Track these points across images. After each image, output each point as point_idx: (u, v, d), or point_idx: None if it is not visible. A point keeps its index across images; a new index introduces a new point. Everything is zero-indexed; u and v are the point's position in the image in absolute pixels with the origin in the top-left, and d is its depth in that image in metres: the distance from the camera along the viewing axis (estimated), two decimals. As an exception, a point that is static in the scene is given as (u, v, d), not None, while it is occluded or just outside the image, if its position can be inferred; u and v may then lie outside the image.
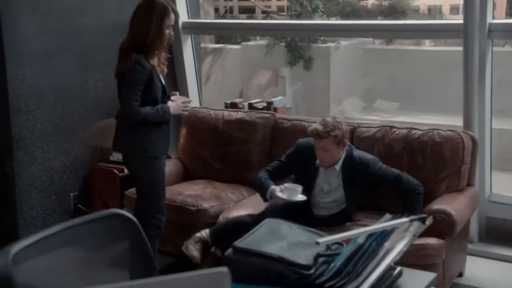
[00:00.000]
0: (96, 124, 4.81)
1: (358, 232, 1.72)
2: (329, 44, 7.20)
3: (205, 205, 4.10)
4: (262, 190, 3.68)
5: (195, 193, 4.27)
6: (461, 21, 4.02)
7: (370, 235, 1.89)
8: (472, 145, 3.85)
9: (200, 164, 4.69)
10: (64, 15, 4.50)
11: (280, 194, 3.55)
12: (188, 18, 5.34)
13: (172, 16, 3.53)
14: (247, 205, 4.04)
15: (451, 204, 3.56)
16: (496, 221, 4.36)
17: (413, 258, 2.68)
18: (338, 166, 3.67)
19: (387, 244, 1.85)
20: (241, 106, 5.04)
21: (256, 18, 8.87)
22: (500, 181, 4.76)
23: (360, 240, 1.92)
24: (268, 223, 2.29)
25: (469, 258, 4.03)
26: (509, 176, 5.49)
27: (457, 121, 4.37)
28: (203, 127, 4.71)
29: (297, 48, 7.20)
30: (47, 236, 1.71)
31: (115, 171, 4.61)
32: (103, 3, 4.79)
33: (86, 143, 4.75)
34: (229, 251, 2.12)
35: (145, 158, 3.61)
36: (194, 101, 5.36)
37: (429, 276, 2.07)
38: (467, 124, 4.13)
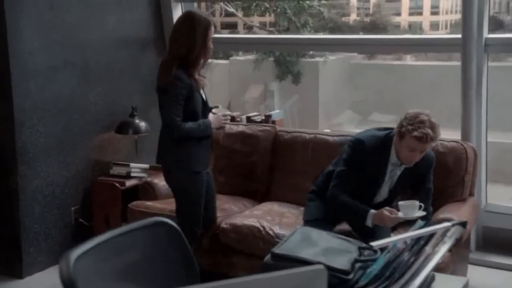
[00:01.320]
0: (97, 138, 4.82)
1: (407, 236, 1.78)
2: (317, 59, 7.31)
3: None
4: (358, 215, 3.40)
5: (200, 205, 4.30)
6: (459, 36, 4.14)
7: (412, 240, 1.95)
8: (474, 156, 3.95)
9: (202, 177, 4.72)
10: (67, 30, 4.52)
11: (399, 214, 3.27)
12: (185, 33, 5.37)
13: (213, 28, 3.58)
14: (251, 215, 4.08)
15: (457, 213, 3.64)
16: (492, 230, 4.47)
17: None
18: None
19: (427, 249, 1.91)
20: (238, 119, 5.09)
21: (239, 33, 8.92)
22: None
23: (400, 245, 1.97)
24: (300, 231, 2.34)
25: (469, 267, 4.12)
26: (496, 187, 5.59)
27: (449, 134, 4.40)
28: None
29: (286, 62, 7.30)
30: (100, 242, 1.75)
31: (117, 184, 4.62)
32: (105, 18, 4.82)
33: (87, 157, 4.75)
34: (267, 257, 2.16)
35: (187, 172, 3.67)
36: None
37: (461, 280, 2.13)
38: (465, 136, 4.24)
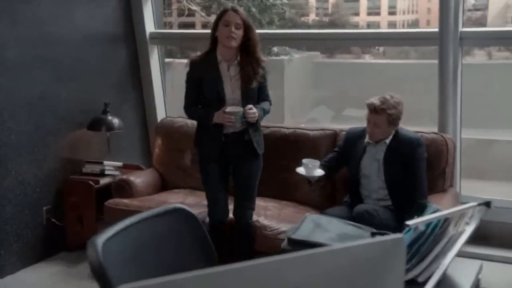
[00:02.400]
0: (69, 135, 4.69)
1: (434, 216, 1.77)
2: (282, 57, 7.31)
3: (193, 211, 4.05)
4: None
5: (179, 201, 4.23)
6: (436, 30, 4.19)
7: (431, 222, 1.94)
8: (453, 148, 4.01)
9: (180, 174, 4.65)
10: (37, 24, 4.38)
11: (298, 170, 3.52)
12: (155, 29, 5.30)
13: (228, 12, 3.54)
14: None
15: (440, 203, 3.68)
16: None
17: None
18: (388, 140, 3.66)
19: (451, 230, 1.91)
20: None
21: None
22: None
23: (421, 227, 1.97)
24: (310, 218, 2.32)
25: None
26: (467, 183, 5.65)
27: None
28: (180, 136, 4.68)
29: (251, 61, 7.24)
30: (123, 228, 1.70)
31: (91, 182, 4.49)
32: (76, 14, 4.70)
33: (59, 155, 4.61)
34: (284, 243, 2.13)
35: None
36: (161, 114, 5.36)
37: (476, 263, 2.14)
38: (442, 129, 4.30)
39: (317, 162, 3.57)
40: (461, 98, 4.42)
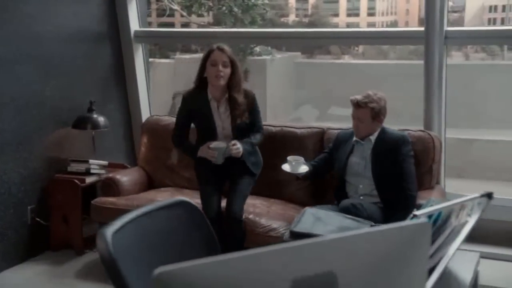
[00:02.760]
0: (54, 133, 4.64)
1: (442, 206, 1.79)
2: (265, 57, 7.32)
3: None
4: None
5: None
6: (422, 29, 4.24)
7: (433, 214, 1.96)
8: (439, 145, 4.05)
9: (167, 172, 4.63)
10: (22, 21, 4.33)
11: (284, 167, 3.64)
12: (140, 27, 5.28)
13: (214, 52, 3.71)
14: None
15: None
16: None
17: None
18: (373, 138, 3.75)
19: (453, 221, 1.93)
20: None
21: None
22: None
23: (424, 218, 1.99)
24: (310, 212, 2.33)
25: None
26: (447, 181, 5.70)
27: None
28: (167, 135, 4.64)
29: (233, 61, 7.25)
30: (129, 220, 1.69)
31: (77, 181, 4.45)
32: (61, 11, 4.66)
33: (44, 154, 4.56)
34: (286, 235, 2.14)
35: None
36: (145, 112, 5.34)
37: (475, 255, 2.17)
38: (428, 127, 4.33)
39: (301, 159, 3.69)
40: (445, 96, 4.47)
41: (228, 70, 3.69)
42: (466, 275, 2.03)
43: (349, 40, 5.27)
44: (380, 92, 3.79)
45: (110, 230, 1.61)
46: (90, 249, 4.58)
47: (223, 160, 3.68)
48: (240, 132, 3.79)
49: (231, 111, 3.75)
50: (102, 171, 4.67)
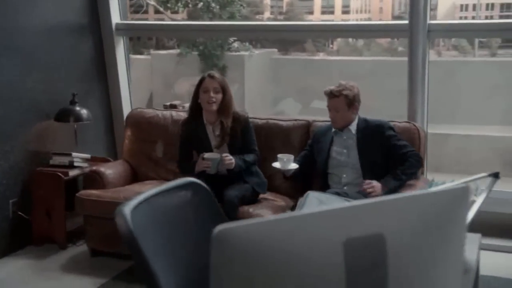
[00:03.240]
0: (35, 126, 4.57)
1: (453, 185, 1.82)
2: (243, 53, 7.32)
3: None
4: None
5: (153, 193, 4.18)
6: (406, 22, 4.30)
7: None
8: (424, 136, 4.11)
9: (151, 165, 4.60)
10: (2, 13, 4.26)
11: (274, 165, 3.70)
12: (121, 20, 5.23)
13: (205, 79, 3.91)
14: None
15: (415, 190, 3.77)
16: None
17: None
18: (353, 128, 3.82)
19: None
20: (181, 108, 5.01)
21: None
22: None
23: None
24: (313, 195, 2.34)
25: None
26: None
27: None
28: (152, 128, 4.63)
29: (211, 56, 7.26)
30: (142, 201, 1.68)
31: (60, 174, 4.38)
32: (41, 2, 4.59)
33: (26, 146, 4.49)
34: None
35: None
36: (126, 106, 5.31)
37: (476, 236, 2.20)
38: (411, 119, 4.39)
39: (292, 156, 3.75)
40: (428, 89, 4.53)
41: (219, 96, 3.90)
42: (471, 255, 2.06)
43: (333, 33, 5.30)
44: (351, 81, 3.88)
45: (127, 208, 1.60)
46: (73, 243, 4.53)
47: (215, 170, 3.80)
48: (236, 152, 3.92)
49: (224, 134, 3.93)
50: (85, 165, 4.61)
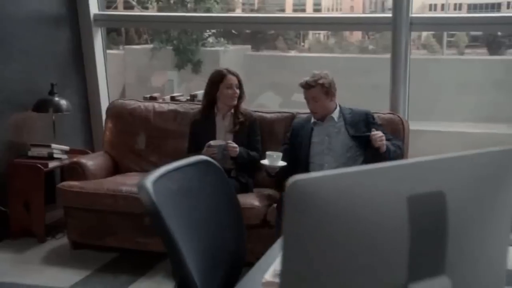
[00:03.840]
0: (12, 117, 4.47)
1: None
2: (218, 48, 7.29)
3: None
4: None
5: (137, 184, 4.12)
6: (390, 15, 4.33)
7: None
8: (408, 127, 4.14)
9: (133, 157, 4.54)
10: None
11: (263, 162, 3.70)
12: (99, 10, 5.15)
13: (226, 78, 4.04)
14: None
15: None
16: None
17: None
18: (335, 116, 3.82)
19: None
20: (161, 100, 4.96)
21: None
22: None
23: None
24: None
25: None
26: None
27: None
28: (134, 119, 4.57)
29: (186, 51, 7.21)
30: (160, 176, 1.65)
31: (40, 166, 4.29)
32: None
33: (3, 137, 4.39)
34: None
35: None
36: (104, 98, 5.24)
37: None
38: (394, 110, 4.42)
39: (280, 154, 3.73)
40: (409, 81, 4.57)
41: (238, 90, 4.07)
42: None
43: (318, 26, 5.32)
44: (324, 70, 3.90)
45: (149, 181, 1.56)
46: (52, 237, 4.43)
47: (222, 157, 3.82)
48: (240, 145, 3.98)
49: (234, 123, 4.05)
50: (64, 156, 4.53)
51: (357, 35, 9.48)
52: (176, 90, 6.73)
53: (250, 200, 3.83)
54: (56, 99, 4.56)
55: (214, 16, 5.12)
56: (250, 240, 2.87)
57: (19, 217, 4.38)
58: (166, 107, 4.60)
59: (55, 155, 4.45)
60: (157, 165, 4.27)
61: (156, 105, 4.63)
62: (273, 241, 2.23)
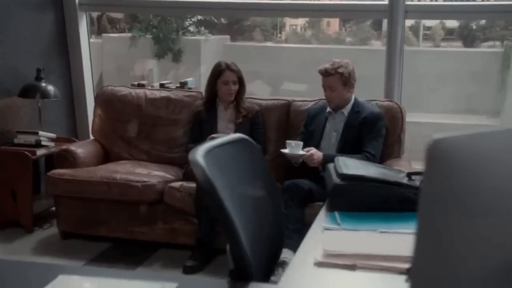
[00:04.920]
0: (-2, 103, 4.31)
1: None
2: (199, 37, 7.17)
3: (153, 180, 3.87)
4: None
5: (129, 171, 4.01)
6: (386, 2, 4.30)
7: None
8: (405, 115, 4.12)
9: (124, 145, 4.42)
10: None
11: (283, 150, 3.60)
12: (84, -6, 5.00)
13: (225, 72, 3.99)
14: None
15: (403, 167, 3.76)
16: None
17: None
18: (346, 111, 3.75)
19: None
20: (149, 87, 4.84)
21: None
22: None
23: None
24: (340, 158, 2.27)
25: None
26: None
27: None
28: (124, 106, 4.45)
29: (166, 40, 7.07)
30: (207, 151, 1.57)
31: (27, 153, 4.13)
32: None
33: (-13, 125, 4.22)
34: (336, 180, 2.06)
35: None
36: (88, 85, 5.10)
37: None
38: (389, 97, 4.39)
39: (301, 143, 3.62)
40: (402, 70, 4.55)
41: (237, 87, 4.01)
42: None
43: (310, 13, 5.24)
44: (345, 59, 3.81)
45: (199, 156, 1.48)
46: (39, 227, 4.29)
47: None
48: None
49: (236, 114, 4.02)
50: (51, 144, 4.38)
51: (334, 27, 9.45)
52: (156, 80, 6.60)
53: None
54: (43, 84, 4.41)
55: (198, 2, 4.99)
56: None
57: (5, 206, 4.22)
58: (158, 94, 4.49)
59: (42, 143, 4.30)
60: (149, 153, 4.22)
61: (148, 92, 4.52)
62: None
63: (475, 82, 7.21)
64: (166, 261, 3.79)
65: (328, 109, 3.83)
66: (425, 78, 7.14)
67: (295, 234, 3.43)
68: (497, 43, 8.61)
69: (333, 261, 1.59)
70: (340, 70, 3.67)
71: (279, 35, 9.73)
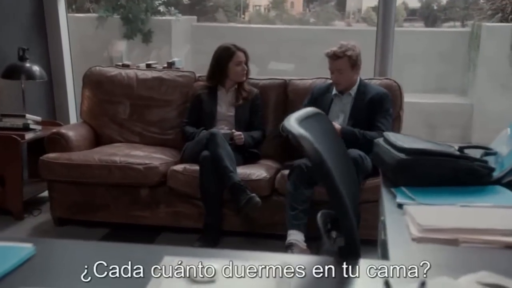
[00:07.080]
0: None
1: None
2: (169, 17, 6.99)
3: (155, 162, 3.75)
4: None
5: (125, 153, 3.88)
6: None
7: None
8: (403, 93, 4.12)
9: (115, 127, 4.27)
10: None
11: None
12: (63, -24, 4.79)
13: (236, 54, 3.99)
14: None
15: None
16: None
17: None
18: (353, 92, 3.74)
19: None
20: (136, 66, 4.68)
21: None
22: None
23: None
24: (389, 134, 2.23)
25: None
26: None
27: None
28: (114, 87, 4.29)
29: (136, 20, 6.86)
30: (301, 120, 1.51)
31: (16, 137, 3.94)
32: None
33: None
34: (399, 155, 2.01)
35: None
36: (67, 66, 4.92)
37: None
38: (383, 75, 4.39)
39: None
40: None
41: (247, 67, 4.02)
42: None
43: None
44: (352, 41, 3.79)
45: (301, 129, 1.41)
46: (30, 213, 4.11)
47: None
48: (241, 121, 3.97)
49: (236, 96, 3.99)
50: (38, 127, 4.20)
51: (298, 8, 9.44)
52: (125, 61, 6.41)
53: (259, 171, 3.70)
54: (28, 65, 4.21)
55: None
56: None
57: (-8, 194, 4.02)
58: (149, 74, 4.35)
59: (31, 126, 4.11)
60: (141, 135, 4.10)
61: (139, 72, 4.37)
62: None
63: (444, 62, 7.32)
64: (169, 244, 3.68)
65: (334, 91, 3.81)
66: (393, 59, 7.22)
67: (303, 214, 3.41)
68: (457, 23, 8.79)
69: (433, 235, 1.55)
70: (348, 53, 3.67)
71: (242, 16, 9.63)
